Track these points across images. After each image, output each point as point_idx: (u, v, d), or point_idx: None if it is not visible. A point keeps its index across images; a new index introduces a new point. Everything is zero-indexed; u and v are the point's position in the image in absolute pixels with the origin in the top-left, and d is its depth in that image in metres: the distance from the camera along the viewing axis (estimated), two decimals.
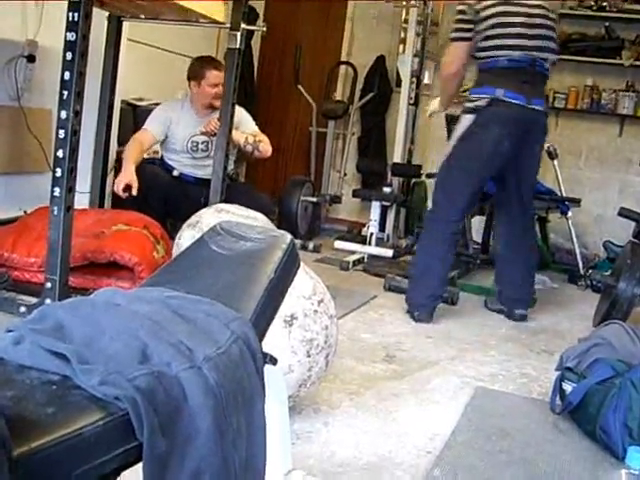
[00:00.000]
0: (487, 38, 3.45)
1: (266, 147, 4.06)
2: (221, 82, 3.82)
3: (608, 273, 4.14)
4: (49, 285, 2.48)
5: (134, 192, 3.48)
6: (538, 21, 3.48)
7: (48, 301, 2.47)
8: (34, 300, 2.57)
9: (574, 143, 6.10)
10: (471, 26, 3.47)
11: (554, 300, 4.46)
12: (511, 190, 3.69)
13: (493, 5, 3.46)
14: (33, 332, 0.89)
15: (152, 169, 3.90)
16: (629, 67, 5.80)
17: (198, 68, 4.03)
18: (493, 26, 3.43)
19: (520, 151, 3.51)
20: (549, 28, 3.51)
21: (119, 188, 3.47)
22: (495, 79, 3.45)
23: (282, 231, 1.29)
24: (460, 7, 3.52)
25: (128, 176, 3.50)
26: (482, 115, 3.44)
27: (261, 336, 1.09)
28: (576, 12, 5.90)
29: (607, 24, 5.83)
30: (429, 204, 3.95)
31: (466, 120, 3.49)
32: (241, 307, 1.07)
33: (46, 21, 3.54)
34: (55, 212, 2.43)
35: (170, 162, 4.10)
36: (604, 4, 5.82)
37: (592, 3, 5.86)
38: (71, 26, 2.37)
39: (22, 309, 2.58)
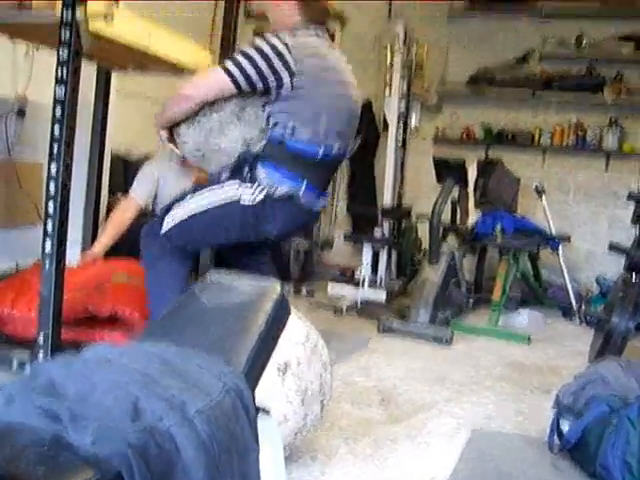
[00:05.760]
0: None
1: None
2: None
3: (601, 308, 4.15)
4: (41, 340, 2.47)
5: None
6: None
7: (41, 355, 2.45)
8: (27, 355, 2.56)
9: (562, 180, 6.17)
10: None
11: (548, 336, 4.46)
12: None
13: None
14: (25, 390, 0.89)
15: None
16: (611, 104, 5.90)
17: None
18: None
19: None
20: None
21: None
22: None
23: (272, 280, 1.30)
24: None
25: (93, 256, 3.37)
26: None
27: (253, 387, 1.09)
28: (557, 52, 6.03)
29: (589, 63, 5.96)
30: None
31: None
32: (233, 359, 1.07)
33: (35, 75, 3.57)
34: (47, 266, 2.43)
35: None
36: (584, 42, 5.95)
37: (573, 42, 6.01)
38: (60, 81, 2.40)
39: (15, 364, 2.57)
